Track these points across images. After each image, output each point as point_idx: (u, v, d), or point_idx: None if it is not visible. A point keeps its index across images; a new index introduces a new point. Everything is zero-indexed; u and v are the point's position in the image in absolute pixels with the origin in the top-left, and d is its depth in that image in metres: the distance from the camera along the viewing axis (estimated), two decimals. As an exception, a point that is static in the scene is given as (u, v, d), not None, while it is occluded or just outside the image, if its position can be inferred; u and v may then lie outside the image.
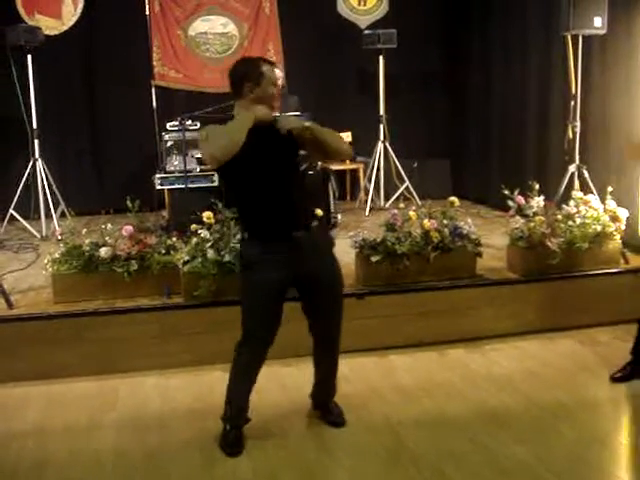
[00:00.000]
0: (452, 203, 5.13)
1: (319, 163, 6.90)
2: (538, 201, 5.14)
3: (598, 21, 5.87)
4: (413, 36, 8.39)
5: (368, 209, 7.90)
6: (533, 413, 3.80)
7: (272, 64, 3.41)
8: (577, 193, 5.46)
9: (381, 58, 7.97)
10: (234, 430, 3.51)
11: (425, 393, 4.07)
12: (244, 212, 3.46)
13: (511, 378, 4.25)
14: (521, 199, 5.14)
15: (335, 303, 3.58)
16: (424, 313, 4.79)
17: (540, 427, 3.63)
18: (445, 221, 5.02)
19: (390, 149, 8.06)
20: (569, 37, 6.16)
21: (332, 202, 6.98)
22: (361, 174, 8.54)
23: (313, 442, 3.54)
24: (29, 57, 7.02)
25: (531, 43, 7.27)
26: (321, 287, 3.48)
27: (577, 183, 6.16)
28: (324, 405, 3.78)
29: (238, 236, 4.31)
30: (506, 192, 5.13)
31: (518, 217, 5.14)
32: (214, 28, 8.62)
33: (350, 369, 4.33)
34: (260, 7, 8.64)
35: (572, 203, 5.28)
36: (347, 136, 8.65)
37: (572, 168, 6.24)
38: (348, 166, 8.78)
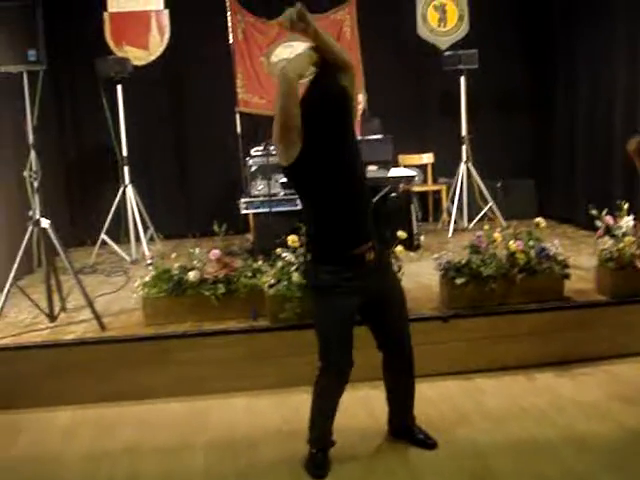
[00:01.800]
0: (538, 224, 5.06)
1: (401, 186, 6.92)
2: (627, 221, 5.01)
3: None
4: (495, 56, 8.33)
5: (451, 230, 7.85)
6: (624, 440, 3.69)
7: None
8: (668, 212, 5.31)
9: (462, 79, 7.94)
10: (320, 453, 3.53)
11: (513, 418, 4.01)
12: (316, 223, 3.40)
13: (601, 404, 4.14)
14: (610, 219, 5.03)
15: (404, 316, 3.59)
16: (510, 336, 4.72)
17: (631, 455, 3.53)
18: (531, 242, 4.95)
19: (473, 170, 8.00)
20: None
21: (415, 224, 6.99)
22: (444, 195, 8.50)
23: (400, 466, 3.53)
24: (119, 87, 7.28)
25: (620, 58, 7.09)
26: (390, 304, 3.49)
27: (668, 202, 6.00)
28: (408, 430, 3.74)
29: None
30: (594, 212, 5.03)
31: (607, 237, 5.03)
32: (296, 54, 8.71)
33: (435, 393, 4.31)
34: (341, 31, 8.70)
35: (662, 223, 5.14)
36: (429, 157, 8.64)
37: (662, 186, 6.07)
38: (430, 187, 8.75)
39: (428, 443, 3.68)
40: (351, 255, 3.30)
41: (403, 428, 3.76)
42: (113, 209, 7.32)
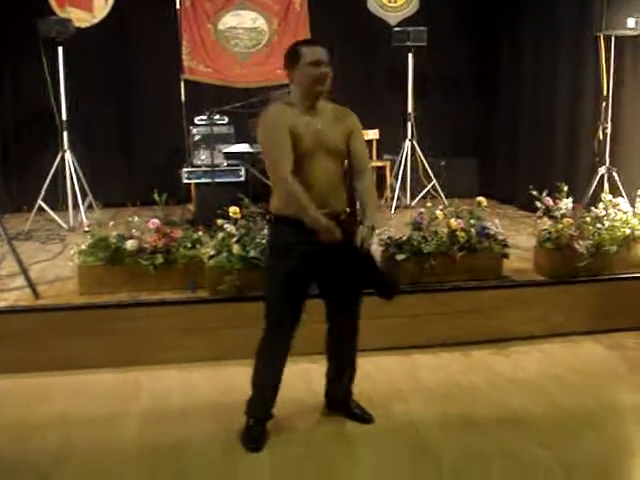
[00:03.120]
0: (480, 203, 5.09)
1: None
2: (567, 203, 5.09)
3: (631, 22, 5.82)
4: (443, 34, 8.34)
5: (394, 207, 7.87)
6: (558, 418, 3.75)
7: (312, 44, 3.32)
8: (606, 195, 5.39)
9: (410, 56, 7.92)
10: (257, 425, 3.50)
11: (449, 394, 4.04)
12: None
13: (536, 382, 4.21)
14: (549, 201, 5.09)
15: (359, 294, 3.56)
16: (449, 313, 4.75)
17: (564, 432, 3.59)
18: (472, 221, 4.98)
19: (417, 147, 8.02)
20: (602, 38, 6.09)
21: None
22: (388, 172, 8.50)
23: (335, 440, 3.53)
24: (60, 49, 7.07)
25: (563, 43, 7.19)
26: (347, 276, 3.41)
27: (606, 185, 6.10)
28: (344, 404, 3.74)
29: (264, 231, 4.29)
30: (534, 193, 5.09)
31: (546, 218, 5.09)
32: (244, 23, 8.62)
33: (374, 367, 4.32)
34: (290, 3, 8.63)
35: (601, 205, 5.22)
36: (374, 134, 8.65)
37: (602, 170, 6.18)
38: (375, 163, 8.74)
39: (364, 418, 3.68)
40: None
41: (339, 402, 3.75)
42: (51, 175, 7.13)
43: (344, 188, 3.41)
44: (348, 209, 3.40)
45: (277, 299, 3.39)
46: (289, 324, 3.40)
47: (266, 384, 3.50)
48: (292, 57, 3.27)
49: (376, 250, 3.44)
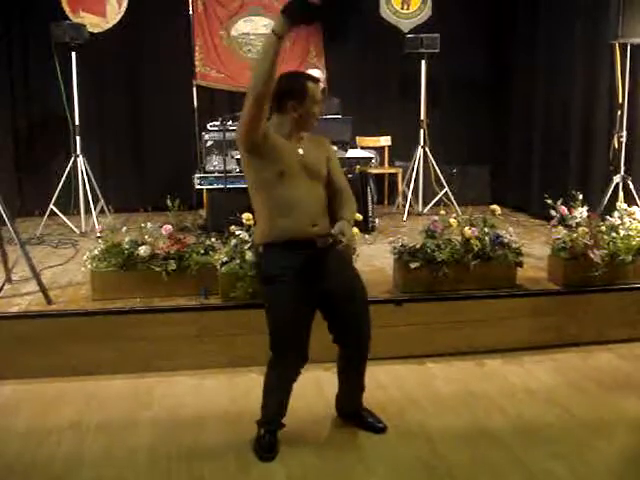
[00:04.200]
0: (493, 211, 5.07)
1: (357, 167, 6.89)
2: (581, 212, 5.05)
3: (647, 30, 5.78)
4: (456, 41, 8.31)
5: (406, 214, 7.85)
6: (571, 428, 3.72)
7: (317, 81, 3.35)
8: (621, 204, 5.35)
9: (423, 62, 7.91)
10: (268, 435, 3.48)
11: (462, 403, 4.01)
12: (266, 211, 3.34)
13: (549, 391, 4.18)
14: (564, 209, 5.06)
15: (364, 313, 3.51)
16: (463, 322, 4.73)
17: (578, 443, 3.55)
18: (486, 229, 4.96)
19: (430, 154, 8.00)
20: (617, 45, 6.07)
21: (370, 206, 6.96)
22: (400, 179, 8.49)
23: (348, 449, 3.51)
24: (73, 54, 7.09)
25: (578, 51, 7.15)
26: (347, 299, 3.42)
27: (621, 194, 6.07)
28: (356, 414, 3.72)
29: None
30: (549, 202, 5.06)
31: (561, 227, 5.06)
32: (256, 29, 8.63)
33: (387, 376, 4.31)
34: (304, 9, 8.60)
35: (616, 214, 5.18)
36: (386, 140, 8.64)
37: (617, 179, 6.15)
38: (387, 170, 8.74)
39: (377, 427, 3.66)
40: (299, 242, 3.25)
41: (351, 413, 3.74)
42: (63, 180, 7.16)
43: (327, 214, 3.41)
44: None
45: (282, 327, 3.34)
46: (296, 353, 3.38)
47: (276, 401, 3.50)
48: (298, 91, 3.25)
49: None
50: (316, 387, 4.10)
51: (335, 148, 6.20)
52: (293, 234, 3.25)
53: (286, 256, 3.26)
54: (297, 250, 3.25)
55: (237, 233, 4.66)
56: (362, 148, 7.87)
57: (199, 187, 7.09)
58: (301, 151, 3.31)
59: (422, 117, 8.01)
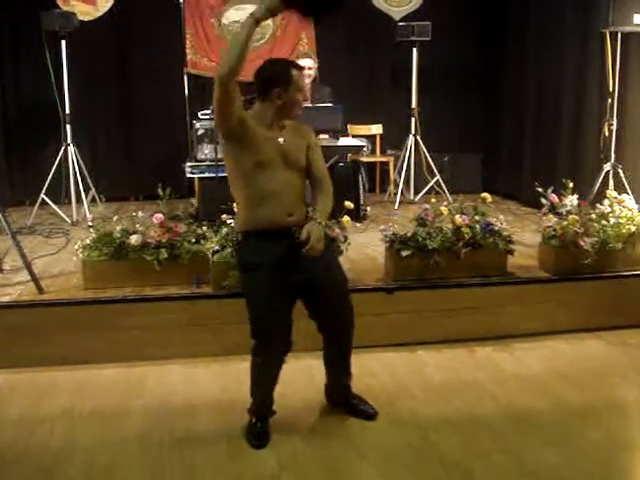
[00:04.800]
0: (484, 199, 5.08)
1: (349, 155, 6.89)
2: (572, 200, 5.07)
3: (638, 18, 5.79)
4: (447, 29, 8.30)
5: (397, 202, 7.85)
6: (562, 415, 3.75)
7: (301, 69, 3.35)
8: (612, 192, 5.37)
9: (414, 50, 7.89)
10: (259, 422, 3.51)
11: (454, 391, 4.04)
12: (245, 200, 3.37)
13: (540, 378, 4.21)
14: (555, 197, 5.07)
15: (345, 303, 3.52)
16: (453, 310, 4.75)
17: (568, 430, 3.58)
18: (477, 217, 4.97)
19: (421, 142, 7.99)
20: (608, 34, 6.07)
21: (362, 194, 6.97)
22: (391, 167, 8.49)
23: (339, 437, 3.52)
24: (63, 42, 7.04)
25: (568, 39, 7.15)
26: (328, 290, 3.45)
27: (612, 182, 6.09)
28: (346, 402, 3.74)
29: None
30: (540, 190, 5.07)
31: (551, 215, 5.07)
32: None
33: (378, 363, 4.33)
34: (295, -4, 8.58)
35: (606, 202, 5.19)
36: (378, 129, 8.64)
37: (607, 167, 6.17)
38: (378, 159, 8.74)
39: (368, 413, 3.68)
40: (275, 231, 3.28)
41: (340, 401, 3.76)
42: (54, 169, 7.13)
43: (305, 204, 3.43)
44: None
45: (261, 315, 3.37)
46: (278, 339, 3.39)
47: (264, 389, 3.53)
48: (283, 78, 3.25)
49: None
50: (307, 375, 4.10)
51: (326, 136, 6.21)
52: (269, 224, 3.28)
53: (263, 245, 3.30)
54: (274, 239, 3.29)
55: (228, 222, 4.66)
56: (354, 136, 7.86)
57: (190, 175, 7.08)
58: (281, 140, 3.31)
59: (413, 105, 8.00)
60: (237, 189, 3.36)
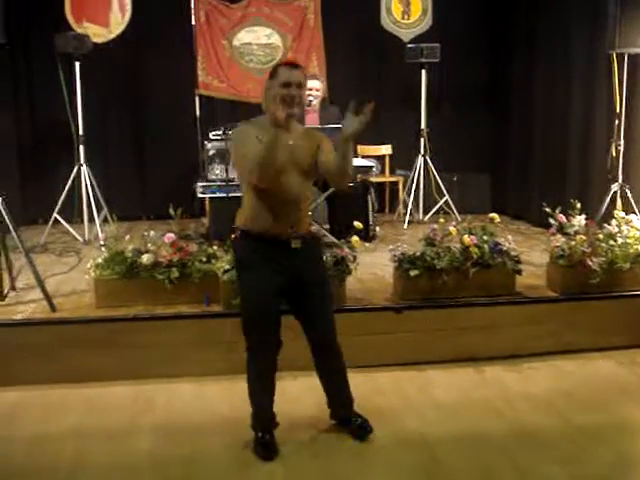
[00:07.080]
0: (492, 219, 5.11)
1: (358, 175, 6.94)
2: (580, 220, 5.09)
3: (645, 40, 5.83)
4: (456, 51, 8.37)
5: (406, 222, 7.89)
6: (569, 434, 3.75)
7: (292, 67, 3.36)
8: (619, 212, 5.39)
9: (423, 72, 7.96)
10: (265, 434, 3.55)
11: (462, 410, 4.05)
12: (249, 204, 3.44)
13: (548, 398, 4.21)
14: (563, 217, 5.10)
15: (328, 312, 3.58)
16: (462, 329, 4.77)
17: (576, 449, 3.59)
18: (485, 237, 5.00)
19: (430, 163, 8.04)
20: (615, 55, 6.12)
21: (371, 214, 7.00)
22: (400, 187, 8.54)
23: (348, 453, 3.55)
24: (77, 64, 7.13)
25: (576, 60, 7.20)
26: (313, 298, 3.51)
27: (619, 202, 6.11)
28: (346, 419, 3.75)
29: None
30: (548, 210, 5.10)
31: (559, 235, 5.10)
32: (258, 39, 8.70)
33: (386, 382, 4.35)
34: (304, 19, 8.70)
35: (614, 222, 5.21)
36: (387, 149, 8.69)
37: (615, 187, 6.19)
38: (388, 179, 8.79)
39: (359, 433, 3.67)
40: (273, 237, 3.35)
41: (341, 418, 3.78)
42: (67, 188, 7.20)
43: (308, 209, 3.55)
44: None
45: (254, 313, 3.46)
46: (267, 336, 3.48)
47: (262, 399, 3.58)
48: (271, 74, 3.38)
49: None
50: (315, 392, 4.04)
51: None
52: (267, 232, 3.37)
53: (259, 245, 3.39)
54: (270, 244, 3.38)
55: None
56: (363, 157, 7.91)
57: (201, 195, 7.14)
58: (290, 141, 3.37)
59: (422, 126, 8.06)
60: (245, 192, 3.46)
